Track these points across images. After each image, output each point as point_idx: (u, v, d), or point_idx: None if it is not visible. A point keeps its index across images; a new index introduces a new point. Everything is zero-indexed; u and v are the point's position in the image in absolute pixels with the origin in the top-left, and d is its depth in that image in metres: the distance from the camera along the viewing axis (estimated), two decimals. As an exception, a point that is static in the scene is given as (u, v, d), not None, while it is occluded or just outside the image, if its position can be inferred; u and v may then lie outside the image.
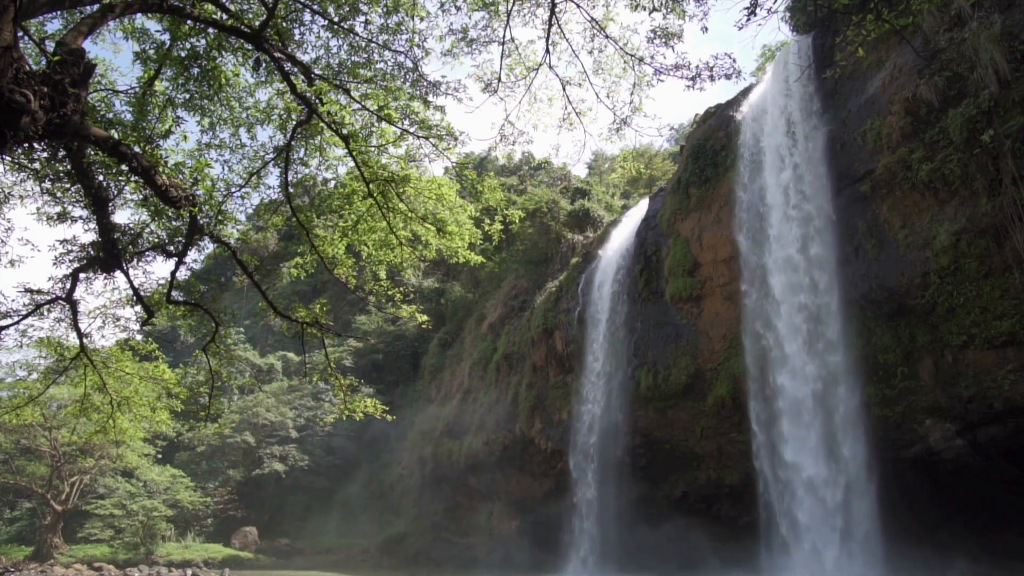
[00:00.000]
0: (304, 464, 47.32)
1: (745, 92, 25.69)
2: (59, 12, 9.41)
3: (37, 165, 10.13)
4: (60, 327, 13.47)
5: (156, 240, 11.30)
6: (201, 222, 10.59)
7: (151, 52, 10.35)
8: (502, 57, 10.66)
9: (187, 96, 10.71)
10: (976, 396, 16.41)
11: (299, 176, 12.83)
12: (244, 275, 11.93)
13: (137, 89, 10.62)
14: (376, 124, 10.81)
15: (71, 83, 6.66)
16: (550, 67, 10.55)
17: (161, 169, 8.96)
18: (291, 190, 11.89)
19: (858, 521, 18.07)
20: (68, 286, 11.66)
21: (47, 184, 10.45)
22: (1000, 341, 15.77)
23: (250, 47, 10.08)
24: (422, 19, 10.76)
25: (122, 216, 71.41)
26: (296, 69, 10.45)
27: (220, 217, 11.19)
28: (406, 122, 10.64)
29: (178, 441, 48.39)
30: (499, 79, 10.92)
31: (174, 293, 12.53)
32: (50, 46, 8.65)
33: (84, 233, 16.32)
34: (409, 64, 11.14)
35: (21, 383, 27.61)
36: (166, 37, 10.06)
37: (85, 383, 15.28)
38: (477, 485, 35.85)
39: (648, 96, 10.91)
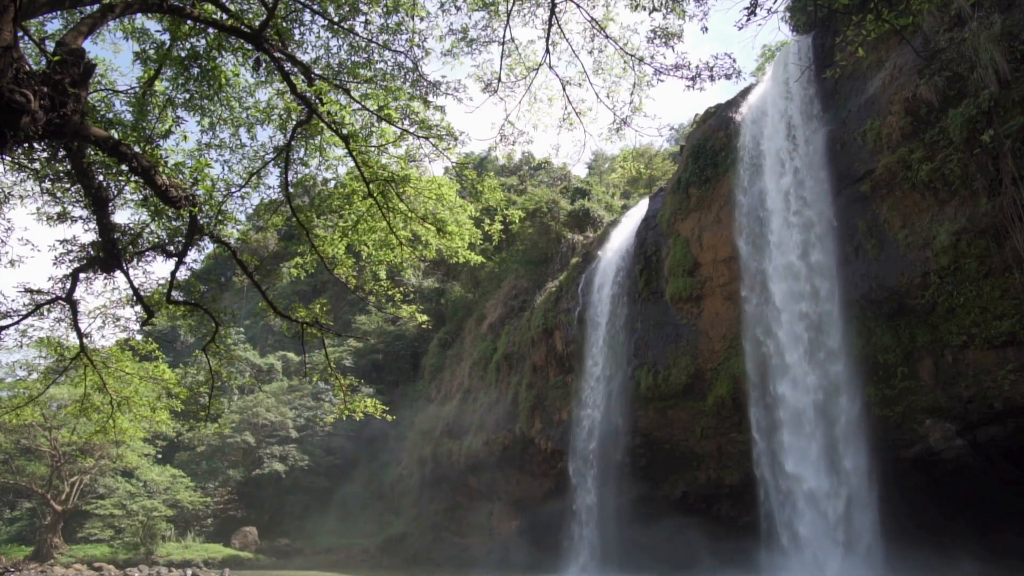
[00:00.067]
0: (304, 464, 47.33)
1: (745, 92, 25.66)
2: (59, 12, 9.41)
3: (37, 165, 10.14)
4: (60, 327, 13.49)
5: (156, 240, 11.30)
6: (201, 222, 10.59)
7: (151, 52, 10.36)
8: (502, 57, 10.67)
9: (187, 96, 10.72)
10: (976, 396, 16.41)
11: (299, 176, 12.83)
12: (244, 275, 11.93)
13: (137, 89, 10.63)
14: (376, 124, 10.81)
15: (71, 83, 6.66)
16: (550, 67, 10.56)
17: (161, 169, 8.96)
18: (291, 190, 11.89)
19: (860, 534, 17.92)
20: (68, 286, 11.66)
21: (47, 184, 10.46)
22: (1000, 341, 15.76)
23: (250, 47, 10.09)
24: (422, 19, 10.77)
25: (122, 216, 71.46)
26: (296, 69, 10.46)
27: (220, 217, 11.20)
28: (406, 122, 10.64)
29: (178, 441, 48.39)
30: (499, 79, 10.93)
31: (174, 293, 12.53)
32: (50, 46, 8.65)
33: (84, 233, 16.35)
34: (409, 64, 11.16)
35: (21, 383, 27.63)
36: (166, 37, 10.06)
37: (85, 383, 15.29)
38: (477, 485, 35.85)
39: (648, 96, 10.92)
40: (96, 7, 7.78)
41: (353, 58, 11.09)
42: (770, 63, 28.48)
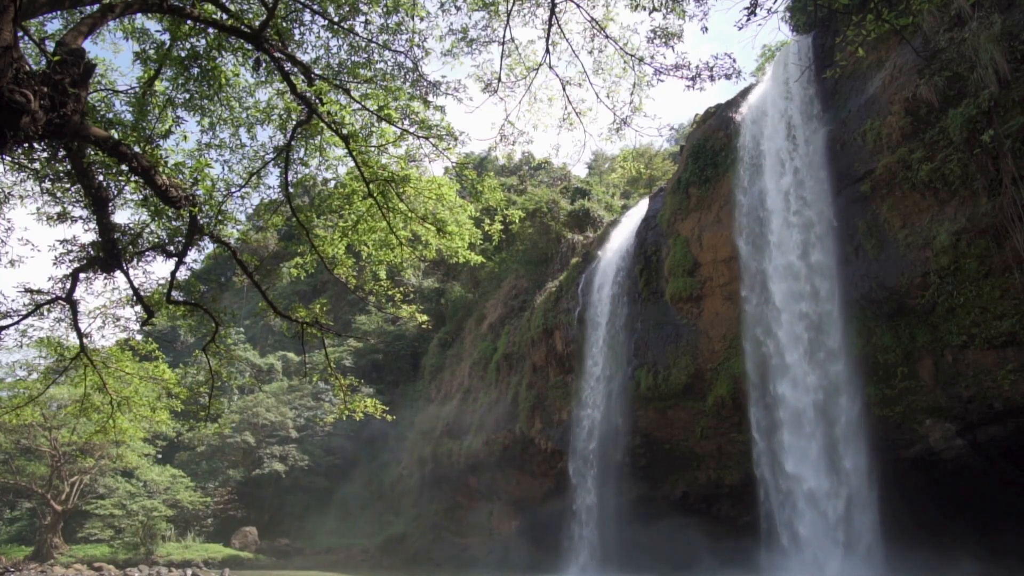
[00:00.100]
0: (304, 464, 47.34)
1: (745, 92, 25.65)
2: (59, 12, 9.41)
3: (37, 165, 10.14)
4: (60, 327, 13.49)
5: (156, 240, 11.30)
6: (201, 222, 10.59)
7: (151, 52, 10.36)
8: (502, 57, 10.67)
9: (187, 96, 10.72)
10: (976, 396, 16.41)
11: (299, 176, 12.83)
12: (244, 275, 11.93)
13: (137, 89, 10.63)
14: (376, 124, 10.81)
15: (71, 83, 6.66)
16: (550, 67, 10.56)
17: (161, 169, 8.96)
18: (291, 190, 11.89)
19: (860, 534, 17.92)
20: (68, 286, 11.66)
21: (47, 184, 10.46)
22: (1000, 341, 15.76)
23: (250, 47, 10.08)
24: (422, 19, 10.77)
25: (122, 216, 71.43)
26: (296, 69, 10.46)
27: (220, 217, 11.20)
28: (406, 122, 10.65)
29: (178, 441, 48.39)
30: (499, 79, 10.93)
31: (174, 293, 12.53)
32: (50, 46, 8.65)
33: (84, 233, 16.33)
34: (409, 64, 11.16)
35: (21, 383, 27.63)
36: (166, 37, 10.06)
37: (85, 383, 15.29)
38: (477, 485, 35.85)
39: (648, 96, 10.92)
40: (96, 7, 7.78)
41: (353, 58, 11.10)
42: (770, 63, 28.47)
